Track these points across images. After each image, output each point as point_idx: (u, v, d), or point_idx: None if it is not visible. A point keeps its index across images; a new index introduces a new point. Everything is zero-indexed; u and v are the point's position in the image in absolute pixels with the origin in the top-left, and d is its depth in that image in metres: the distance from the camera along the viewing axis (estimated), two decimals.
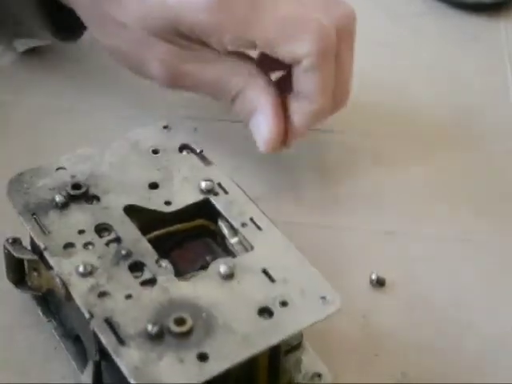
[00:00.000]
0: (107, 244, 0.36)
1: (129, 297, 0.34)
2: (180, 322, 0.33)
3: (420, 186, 0.50)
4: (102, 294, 0.34)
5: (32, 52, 0.55)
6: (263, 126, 0.46)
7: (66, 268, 0.35)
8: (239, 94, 0.46)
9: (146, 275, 0.35)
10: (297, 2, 0.46)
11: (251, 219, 0.38)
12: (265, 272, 0.35)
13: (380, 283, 0.43)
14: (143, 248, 0.36)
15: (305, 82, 0.45)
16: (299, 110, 0.46)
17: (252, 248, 0.37)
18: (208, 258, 0.37)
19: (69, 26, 0.53)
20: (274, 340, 0.33)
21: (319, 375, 0.37)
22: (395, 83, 0.48)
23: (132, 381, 0.31)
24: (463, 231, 0.47)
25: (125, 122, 0.51)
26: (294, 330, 0.33)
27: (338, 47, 0.46)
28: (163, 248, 0.37)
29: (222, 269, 0.35)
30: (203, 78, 0.47)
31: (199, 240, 0.39)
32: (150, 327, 0.32)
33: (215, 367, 0.31)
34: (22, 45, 0.56)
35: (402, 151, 0.52)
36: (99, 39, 0.50)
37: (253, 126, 0.47)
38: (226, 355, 0.32)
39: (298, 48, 0.44)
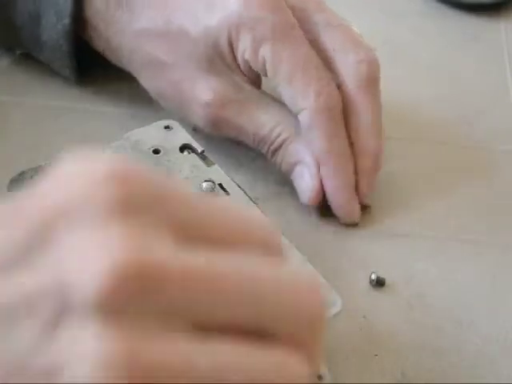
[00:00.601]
0: None
1: None
2: None
3: (420, 185, 0.50)
4: None
5: None
6: (308, 180, 0.45)
7: None
8: (282, 145, 0.46)
9: None
10: (318, 42, 0.45)
11: None
12: None
13: (380, 283, 0.43)
14: None
15: (310, 139, 0.45)
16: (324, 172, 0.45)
17: None
18: None
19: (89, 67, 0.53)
20: None
21: (319, 377, 0.36)
22: (395, 83, 0.48)
23: None
24: (463, 231, 0.47)
25: (125, 122, 0.51)
26: None
27: (354, 96, 0.44)
28: None
29: None
30: (244, 124, 0.46)
31: None
32: None
33: None
34: None
35: (402, 151, 0.52)
36: (144, 83, 0.50)
37: (296, 178, 0.46)
38: None
39: (298, 99, 0.44)
